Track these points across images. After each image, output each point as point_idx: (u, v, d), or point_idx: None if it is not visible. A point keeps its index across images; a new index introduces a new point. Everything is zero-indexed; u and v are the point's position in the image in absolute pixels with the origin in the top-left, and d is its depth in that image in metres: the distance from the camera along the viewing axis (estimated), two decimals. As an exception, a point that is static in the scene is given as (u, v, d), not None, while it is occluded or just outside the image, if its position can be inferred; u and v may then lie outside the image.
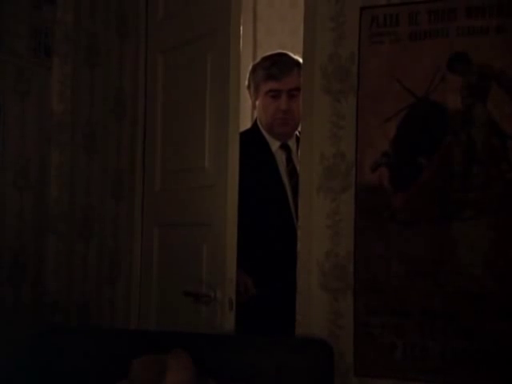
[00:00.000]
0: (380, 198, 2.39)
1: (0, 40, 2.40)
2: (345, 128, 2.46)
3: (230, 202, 2.50)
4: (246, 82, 3.06)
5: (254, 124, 3.09)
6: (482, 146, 2.28)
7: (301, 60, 2.68)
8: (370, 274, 2.40)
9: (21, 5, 2.49)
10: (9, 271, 2.48)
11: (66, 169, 2.69)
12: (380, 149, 2.40)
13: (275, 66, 2.94)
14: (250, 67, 3.05)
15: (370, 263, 2.40)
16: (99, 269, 2.88)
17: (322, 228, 2.48)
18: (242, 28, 2.57)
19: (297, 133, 2.98)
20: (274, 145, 3.01)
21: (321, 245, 2.48)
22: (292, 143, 3.03)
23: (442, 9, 2.35)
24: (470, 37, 2.31)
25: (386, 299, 2.37)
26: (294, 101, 2.90)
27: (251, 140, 2.65)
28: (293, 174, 2.93)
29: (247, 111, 3.70)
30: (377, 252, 2.39)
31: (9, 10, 2.43)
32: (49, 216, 2.64)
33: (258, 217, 2.73)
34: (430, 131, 2.35)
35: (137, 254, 3.01)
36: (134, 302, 3.00)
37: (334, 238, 2.47)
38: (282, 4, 4.13)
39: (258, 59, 3.13)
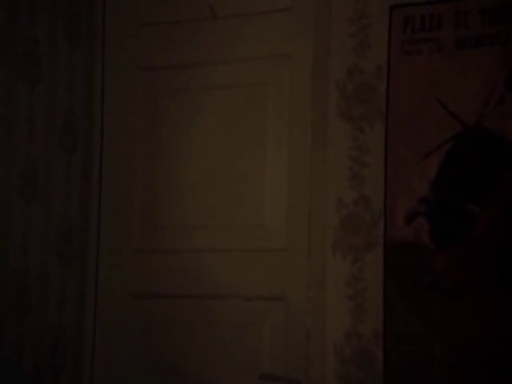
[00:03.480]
0: (418, 258, 2.32)
1: None
2: (370, 165, 2.41)
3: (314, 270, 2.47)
4: None
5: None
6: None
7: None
8: (404, 361, 2.31)
9: None
10: None
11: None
12: (417, 193, 2.33)
13: None
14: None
15: (405, 347, 2.31)
16: (38, 353, 2.79)
17: (339, 299, 2.41)
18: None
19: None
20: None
21: (338, 322, 2.40)
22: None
23: (498, 7, 2.25)
24: (535, 45, 2.23)
25: (427, 395, 2.26)
26: None
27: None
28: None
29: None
30: (414, 331, 2.31)
31: None
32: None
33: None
34: (484, 169, 2.28)
35: (89, 333, 2.85)
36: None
37: (356, 312, 2.39)
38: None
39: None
